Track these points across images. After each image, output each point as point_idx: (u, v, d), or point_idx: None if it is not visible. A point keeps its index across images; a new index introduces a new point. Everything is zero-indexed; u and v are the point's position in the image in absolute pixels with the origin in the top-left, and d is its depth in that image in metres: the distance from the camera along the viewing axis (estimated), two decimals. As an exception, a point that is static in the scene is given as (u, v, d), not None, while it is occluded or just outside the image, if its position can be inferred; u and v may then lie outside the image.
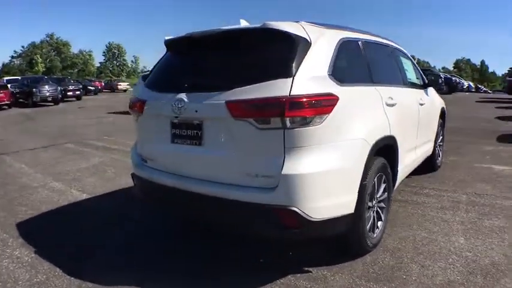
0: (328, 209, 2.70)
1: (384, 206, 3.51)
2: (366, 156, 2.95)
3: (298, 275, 3.00)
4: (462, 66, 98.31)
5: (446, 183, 5.45)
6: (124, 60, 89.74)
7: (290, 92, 2.56)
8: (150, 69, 3.92)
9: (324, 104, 2.63)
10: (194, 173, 3.00)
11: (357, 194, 2.92)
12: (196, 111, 2.87)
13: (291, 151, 2.58)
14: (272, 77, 2.65)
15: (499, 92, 30.15)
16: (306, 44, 2.79)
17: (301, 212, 2.56)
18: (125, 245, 3.69)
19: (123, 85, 45.92)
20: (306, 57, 2.73)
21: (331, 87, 2.78)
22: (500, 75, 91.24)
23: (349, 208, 2.85)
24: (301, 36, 2.81)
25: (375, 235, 3.35)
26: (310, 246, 3.45)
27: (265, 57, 2.87)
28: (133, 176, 3.66)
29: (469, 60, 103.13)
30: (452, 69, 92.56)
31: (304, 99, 2.58)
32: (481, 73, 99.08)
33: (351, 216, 2.87)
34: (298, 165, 2.58)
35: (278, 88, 2.60)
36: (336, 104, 2.70)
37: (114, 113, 17.64)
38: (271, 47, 2.87)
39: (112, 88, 44.36)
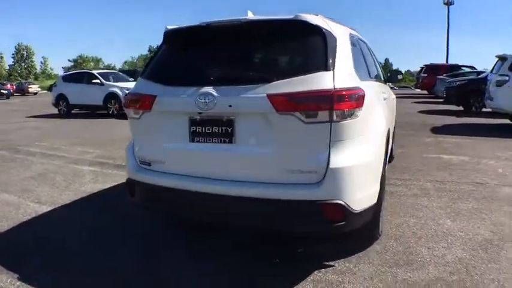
0: (364, 200, 2.73)
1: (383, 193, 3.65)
2: (384, 147, 3.05)
3: (323, 270, 2.99)
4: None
5: (407, 173, 5.83)
6: (32, 61, 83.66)
7: (334, 86, 2.55)
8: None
9: (359, 97, 2.66)
10: (223, 173, 2.79)
11: (379, 183, 3.00)
12: (230, 106, 2.66)
13: (335, 145, 2.57)
14: (311, 70, 2.62)
15: (406, 88, 32.93)
16: (334, 39, 2.79)
17: (346, 205, 2.56)
18: (146, 262, 3.29)
19: (34, 87, 43.52)
20: (337, 51, 2.73)
21: (359, 81, 2.84)
22: (404, 71, 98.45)
23: (376, 198, 2.92)
24: (329, 31, 2.80)
25: (381, 223, 3.47)
26: (313, 242, 3.48)
27: (301, 50, 2.84)
28: (130, 182, 3.26)
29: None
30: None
31: (348, 93, 2.58)
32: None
33: (375, 206, 2.93)
34: (343, 158, 2.57)
35: (322, 81, 2.57)
36: (365, 98, 2.73)
37: (33, 117, 16.19)
38: (305, 40, 2.82)
39: (23, 91, 41.97)
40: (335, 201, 2.54)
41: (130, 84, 16.02)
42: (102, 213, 4.47)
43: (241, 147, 2.71)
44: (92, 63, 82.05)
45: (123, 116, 13.91)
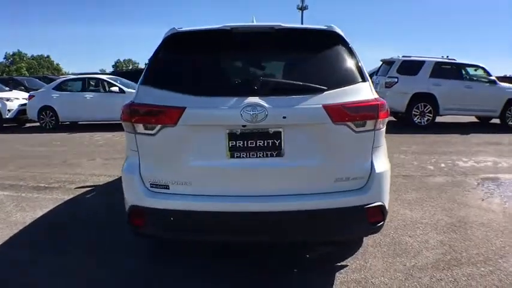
0: (388, 199, 2.97)
1: None
2: None
3: (343, 270, 3.15)
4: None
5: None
6: None
7: (374, 96, 2.76)
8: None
9: (387, 108, 2.87)
10: (269, 189, 2.67)
11: None
12: (284, 118, 2.57)
13: (375, 151, 2.77)
14: (352, 81, 2.78)
15: None
16: (355, 52, 2.96)
17: (384, 205, 2.78)
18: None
19: None
20: (362, 63, 2.92)
21: None
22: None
23: None
24: (349, 42, 2.97)
25: None
26: (311, 247, 3.63)
27: (338, 60, 2.89)
28: (137, 210, 2.80)
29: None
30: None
31: (383, 103, 2.79)
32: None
33: None
34: (382, 163, 2.80)
35: (365, 92, 2.75)
36: None
37: None
38: (338, 51, 2.90)
39: None
40: (377, 204, 2.73)
41: (10, 94, 14.19)
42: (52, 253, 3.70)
43: (290, 160, 2.65)
44: None
45: (4, 130, 12.52)
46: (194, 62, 2.96)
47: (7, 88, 15.22)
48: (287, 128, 2.62)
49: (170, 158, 2.74)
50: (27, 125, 13.87)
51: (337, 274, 3.10)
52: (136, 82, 11.37)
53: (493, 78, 11.66)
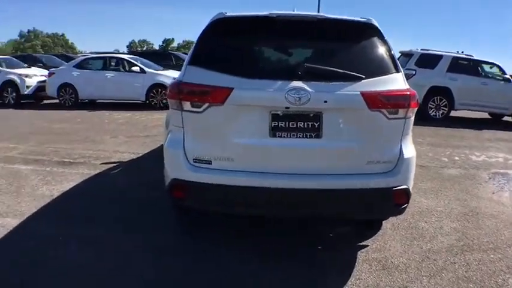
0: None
1: None
2: None
3: (364, 250, 3.35)
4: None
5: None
6: None
7: (406, 86, 2.93)
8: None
9: (417, 98, 3.03)
10: (306, 167, 2.86)
11: None
12: (325, 102, 2.74)
13: (404, 138, 2.95)
14: (388, 71, 2.96)
15: None
16: (389, 43, 3.12)
17: (410, 189, 2.97)
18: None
19: None
20: (393, 54, 3.08)
21: None
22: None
23: None
24: (384, 35, 3.11)
25: None
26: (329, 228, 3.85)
27: (375, 51, 3.05)
28: (178, 184, 2.94)
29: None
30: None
31: (413, 94, 2.96)
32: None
33: None
34: (410, 149, 2.99)
35: (399, 82, 2.94)
36: None
37: None
38: (376, 42, 3.06)
39: None
40: (404, 187, 2.91)
41: (29, 71, 14.45)
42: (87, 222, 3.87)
43: (328, 142, 2.82)
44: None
45: (22, 106, 12.75)
46: (241, 46, 3.11)
47: (25, 65, 15.42)
48: (326, 111, 2.80)
49: (214, 135, 2.89)
50: (45, 101, 14.02)
51: (359, 253, 3.29)
52: (154, 63, 11.53)
53: (507, 76, 11.72)
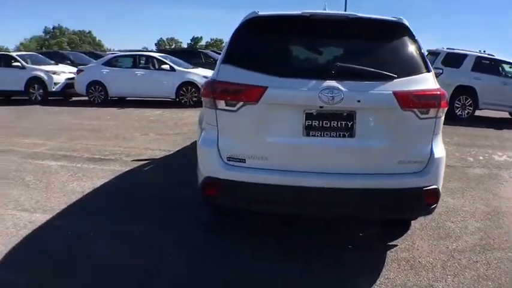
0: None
1: None
2: None
3: (393, 249, 3.42)
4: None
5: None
6: None
7: (437, 86, 2.98)
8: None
9: (447, 98, 3.05)
10: (339, 167, 2.90)
11: None
12: (358, 101, 2.78)
13: (434, 138, 2.99)
14: (419, 70, 2.98)
15: None
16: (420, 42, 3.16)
17: (439, 189, 3.03)
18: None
19: None
20: (424, 54, 3.11)
21: None
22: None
23: None
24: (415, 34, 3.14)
25: None
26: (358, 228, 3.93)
27: (407, 51, 3.07)
28: (211, 182, 3.01)
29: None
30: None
31: (444, 94, 2.98)
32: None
33: None
34: (440, 149, 3.03)
35: (430, 82, 2.97)
36: None
37: None
38: (407, 42, 3.08)
39: None
40: (434, 187, 2.95)
41: (57, 68, 14.86)
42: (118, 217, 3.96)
43: (360, 141, 2.85)
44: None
45: (50, 103, 13.09)
46: (274, 45, 3.16)
47: (52, 62, 15.77)
48: (359, 111, 2.83)
49: (248, 134, 2.94)
50: (74, 98, 14.31)
51: (388, 252, 3.38)
52: (184, 61, 11.64)
53: None
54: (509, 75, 11.88)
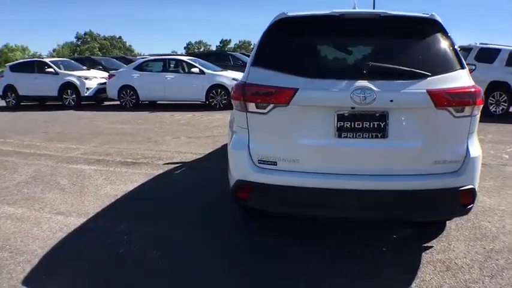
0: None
1: None
2: None
3: (428, 251, 3.36)
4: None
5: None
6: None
7: (471, 83, 2.90)
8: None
9: (482, 95, 2.97)
10: (373, 168, 2.86)
11: None
12: (391, 101, 2.73)
13: (470, 136, 2.91)
14: (452, 67, 2.90)
15: None
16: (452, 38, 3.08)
17: (475, 189, 2.94)
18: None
19: None
20: (457, 50, 3.01)
21: None
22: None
23: None
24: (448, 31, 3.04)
25: None
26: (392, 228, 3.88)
27: (439, 48, 2.99)
28: (243, 185, 3.00)
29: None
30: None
31: (479, 91, 2.89)
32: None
33: None
34: (476, 148, 2.96)
35: (465, 79, 2.88)
36: None
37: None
38: (439, 38, 2.99)
39: None
40: (470, 187, 2.88)
41: (89, 73, 15.32)
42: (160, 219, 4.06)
43: (394, 142, 2.80)
44: (19, 53, 73.10)
45: (83, 107, 13.52)
46: (304, 46, 3.12)
47: (84, 67, 16.32)
48: (392, 111, 2.78)
49: (279, 136, 2.92)
50: (106, 103, 14.73)
51: (423, 254, 3.33)
52: (213, 64, 11.88)
53: None
54: None
